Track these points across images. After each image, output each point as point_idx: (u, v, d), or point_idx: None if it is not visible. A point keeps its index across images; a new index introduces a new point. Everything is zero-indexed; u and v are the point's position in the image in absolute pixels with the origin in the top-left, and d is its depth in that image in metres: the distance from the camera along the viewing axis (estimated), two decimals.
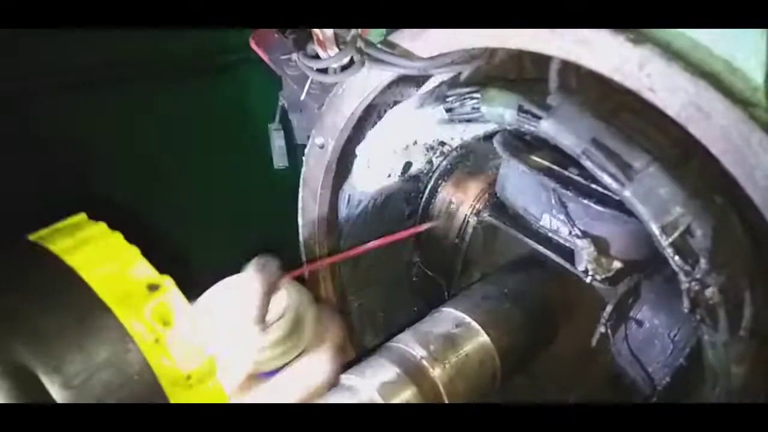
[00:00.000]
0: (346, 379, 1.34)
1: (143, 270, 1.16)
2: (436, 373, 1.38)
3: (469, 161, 1.93)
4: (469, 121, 1.49)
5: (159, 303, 1.13)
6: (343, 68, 1.62)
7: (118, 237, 1.23)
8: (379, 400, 1.28)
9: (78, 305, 1.07)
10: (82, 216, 1.28)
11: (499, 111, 1.40)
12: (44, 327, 1.03)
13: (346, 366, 1.43)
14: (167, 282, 1.16)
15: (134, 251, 1.21)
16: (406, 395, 1.32)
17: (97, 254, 1.16)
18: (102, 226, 1.24)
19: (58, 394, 1.01)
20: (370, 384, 1.30)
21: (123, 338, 1.06)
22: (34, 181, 2.94)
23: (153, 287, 1.15)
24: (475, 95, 1.43)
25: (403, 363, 1.37)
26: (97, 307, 1.07)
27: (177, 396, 1.11)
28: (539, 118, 1.33)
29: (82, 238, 1.19)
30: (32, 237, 1.21)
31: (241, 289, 1.24)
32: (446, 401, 1.36)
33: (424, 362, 1.38)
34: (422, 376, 1.36)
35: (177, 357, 1.13)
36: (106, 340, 1.06)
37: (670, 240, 1.20)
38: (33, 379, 1.01)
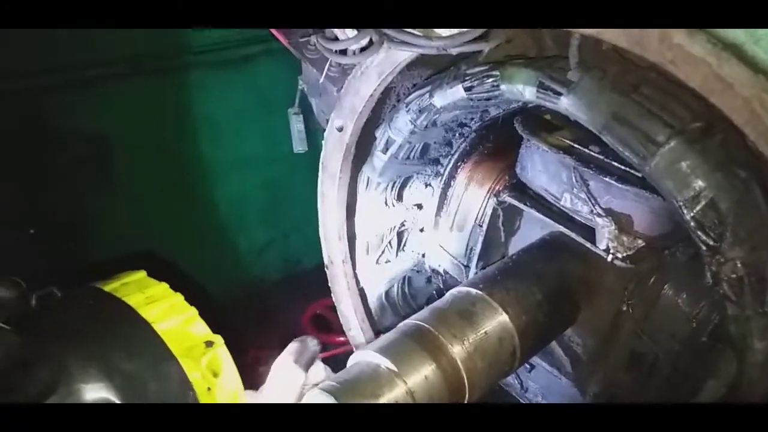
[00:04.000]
0: (365, 354, 1.35)
1: (201, 328, 1.43)
2: (455, 349, 1.38)
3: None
4: (488, 99, 1.49)
5: (212, 357, 1.39)
6: (362, 49, 1.63)
7: (179, 297, 1.48)
8: (396, 372, 1.29)
9: (154, 353, 1.31)
10: (142, 273, 1.54)
11: (519, 88, 1.39)
12: (128, 370, 1.25)
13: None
14: (219, 340, 1.42)
15: (194, 311, 1.47)
16: (424, 370, 1.33)
17: (166, 311, 1.40)
18: (165, 286, 1.50)
19: None
20: (387, 358, 1.31)
21: (185, 385, 1.31)
22: (53, 176, 3.00)
23: (209, 343, 1.41)
24: (494, 73, 1.43)
25: (422, 339, 1.38)
26: (168, 357, 1.31)
27: None
28: (559, 94, 1.32)
29: (151, 295, 1.43)
30: (106, 288, 1.44)
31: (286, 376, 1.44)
32: (464, 377, 1.36)
33: (442, 338, 1.38)
34: (440, 351, 1.36)
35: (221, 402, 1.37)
36: (173, 386, 1.29)
37: (692, 214, 1.19)
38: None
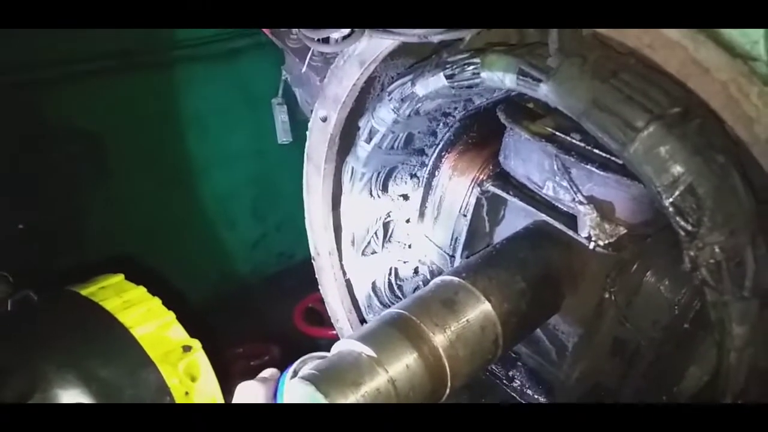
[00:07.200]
0: (347, 343, 1.34)
1: (178, 332, 1.45)
2: (437, 338, 1.37)
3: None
4: (470, 87, 1.48)
5: (190, 361, 1.40)
6: (344, 38, 1.62)
7: (157, 301, 1.50)
8: (377, 360, 1.29)
9: (131, 359, 1.33)
10: (120, 277, 1.55)
11: (499, 75, 1.38)
12: (105, 377, 1.26)
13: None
14: (197, 344, 1.43)
15: (171, 315, 1.49)
16: (406, 359, 1.32)
17: (143, 315, 1.42)
18: (142, 290, 1.54)
19: None
20: (369, 346, 1.30)
21: (163, 390, 1.32)
22: (43, 171, 2.99)
23: (186, 348, 1.43)
24: (474, 60, 1.42)
25: (404, 328, 1.37)
26: (145, 362, 1.33)
27: None
28: (539, 81, 1.31)
29: (128, 300, 1.44)
30: (83, 292, 1.43)
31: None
32: (447, 366, 1.36)
33: (424, 327, 1.37)
34: (422, 340, 1.36)
35: None
36: (151, 391, 1.31)
37: (671, 199, 1.19)
38: None
